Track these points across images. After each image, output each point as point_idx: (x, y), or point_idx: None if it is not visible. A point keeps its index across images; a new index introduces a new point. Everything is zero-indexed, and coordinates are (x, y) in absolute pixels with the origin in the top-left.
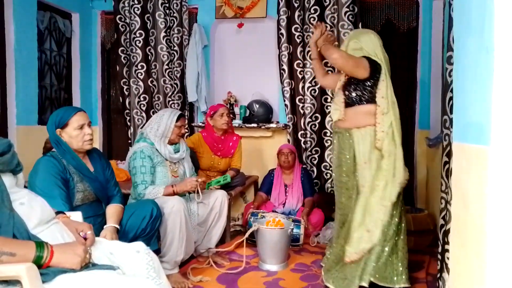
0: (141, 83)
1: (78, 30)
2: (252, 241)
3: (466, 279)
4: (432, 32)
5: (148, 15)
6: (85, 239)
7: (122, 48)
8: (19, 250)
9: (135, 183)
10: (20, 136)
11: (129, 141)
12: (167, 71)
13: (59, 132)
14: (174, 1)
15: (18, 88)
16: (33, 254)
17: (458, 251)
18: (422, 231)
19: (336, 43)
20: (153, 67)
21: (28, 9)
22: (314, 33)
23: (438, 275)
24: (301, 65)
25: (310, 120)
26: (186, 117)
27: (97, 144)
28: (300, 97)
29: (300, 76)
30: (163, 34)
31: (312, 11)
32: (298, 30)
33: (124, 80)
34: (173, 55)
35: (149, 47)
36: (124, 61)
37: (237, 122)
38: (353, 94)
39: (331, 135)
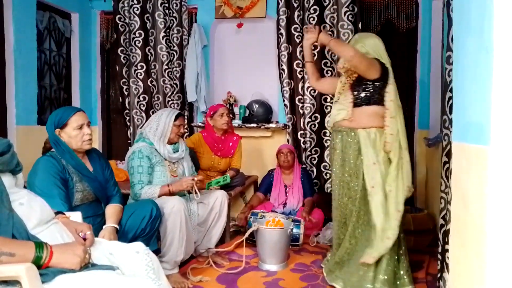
0: (140, 83)
1: (78, 30)
2: (251, 241)
3: (466, 279)
4: (431, 32)
5: (147, 15)
6: (85, 239)
7: (122, 48)
8: (18, 250)
9: (132, 182)
10: (19, 136)
11: (129, 141)
12: (166, 71)
13: (58, 132)
14: (174, 1)
15: (18, 88)
16: (32, 255)
17: (458, 251)
18: (421, 231)
19: None
20: (152, 67)
21: (27, 9)
22: (308, 36)
23: (439, 275)
24: (300, 65)
25: (310, 120)
26: (186, 117)
27: (97, 144)
28: (300, 97)
29: (299, 76)
30: (162, 34)
31: (311, 11)
32: (298, 30)
33: (124, 80)
34: (172, 55)
35: (149, 47)
36: (123, 61)
37: (236, 122)
38: (362, 95)
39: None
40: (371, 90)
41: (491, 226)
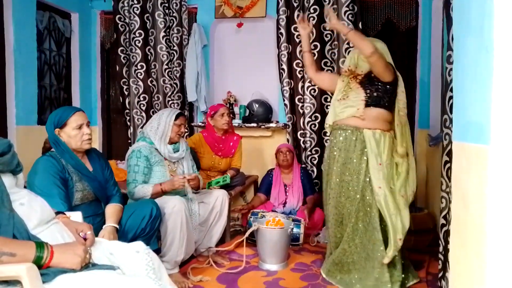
0: (140, 83)
1: (78, 30)
2: (252, 241)
3: (466, 279)
4: (431, 31)
5: (147, 14)
6: (85, 239)
7: (122, 48)
8: (19, 250)
9: (127, 181)
10: (19, 136)
11: (129, 141)
12: (166, 71)
13: (58, 132)
14: (174, 1)
15: (18, 88)
16: (33, 255)
17: (458, 251)
18: (422, 231)
19: (336, 43)
20: (152, 67)
21: (27, 9)
22: (303, 27)
23: (441, 275)
24: (300, 65)
25: (310, 119)
26: (186, 116)
27: (97, 144)
28: (300, 96)
29: (299, 76)
30: (162, 34)
31: (311, 10)
32: (298, 29)
33: (124, 80)
34: (172, 55)
35: (149, 47)
36: (123, 61)
37: (236, 121)
38: (374, 94)
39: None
40: (382, 92)
41: (491, 226)
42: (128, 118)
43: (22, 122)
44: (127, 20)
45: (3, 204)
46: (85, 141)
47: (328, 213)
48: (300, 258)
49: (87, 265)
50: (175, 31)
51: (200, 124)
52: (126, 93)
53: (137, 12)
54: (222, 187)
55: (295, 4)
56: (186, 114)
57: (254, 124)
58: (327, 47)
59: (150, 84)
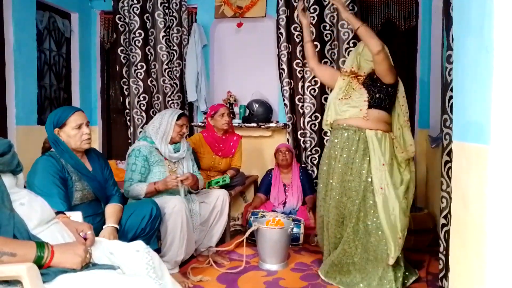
0: (140, 82)
1: (78, 30)
2: (252, 241)
3: (466, 279)
4: (431, 31)
5: (147, 14)
6: (85, 239)
7: (122, 48)
8: (19, 250)
9: (124, 179)
10: (19, 136)
11: (129, 141)
12: (166, 71)
13: (57, 132)
14: (174, 1)
15: (18, 88)
16: (33, 254)
17: (458, 251)
18: (422, 231)
19: (335, 43)
20: (152, 66)
21: (27, 9)
22: (303, 16)
23: (442, 275)
24: (300, 65)
25: (310, 119)
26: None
27: (97, 144)
28: (300, 96)
29: (299, 76)
30: (162, 33)
31: (311, 10)
32: (298, 29)
33: (124, 80)
34: (172, 54)
35: (149, 47)
36: (123, 61)
37: (236, 121)
38: (377, 96)
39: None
40: (384, 94)
41: (491, 226)
42: (128, 118)
43: (22, 122)
44: (127, 20)
45: (3, 204)
46: (84, 140)
47: (327, 213)
48: (300, 258)
49: (87, 265)
50: (175, 31)
51: (200, 124)
52: (126, 93)
53: (137, 12)
54: (222, 187)
55: (295, 4)
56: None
57: (254, 124)
58: (327, 47)
59: (150, 84)
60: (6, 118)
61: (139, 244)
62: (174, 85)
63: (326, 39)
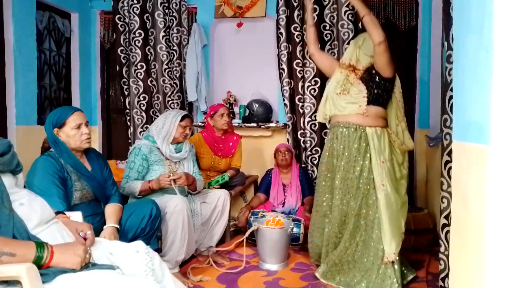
0: (140, 82)
1: (77, 30)
2: (252, 241)
3: (466, 279)
4: (431, 30)
5: (147, 14)
6: (85, 239)
7: (122, 48)
8: (19, 250)
9: (123, 176)
10: (19, 136)
11: (129, 141)
12: (166, 71)
13: (57, 132)
14: (173, 1)
15: (18, 88)
16: (33, 255)
17: (458, 251)
18: (422, 230)
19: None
20: (152, 66)
21: (27, 9)
22: (309, 1)
23: (443, 275)
24: (300, 65)
25: (310, 119)
26: (192, 119)
27: (97, 144)
28: (300, 96)
29: (299, 76)
30: (162, 33)
31: None
32: (298, 29)
33: (124, 80)
34: (172, 54)
35: (149, 47)
36: (123, 61)
37: (236, 121)
38: (375, 91)
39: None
40: (382, 89)
41: (491, 226)
42: (128, 118)
43: (22, 122)
44: (127, 20)
45: (3, 204)
46: (84, 140)
47: (330, 212)
48: (300, 258)
49: (87, 265)
50: (175, 31)
51: (200, 124)
52: (126, 93)
53: (137, 12)
54: (222, 185)
55: (295, 4)
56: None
57: (254, 124)
58: (327, 47)
59: (150, 84)
60: (6, 118)
61: (139, 244)
62: (174, 85)
63: (326, 39)
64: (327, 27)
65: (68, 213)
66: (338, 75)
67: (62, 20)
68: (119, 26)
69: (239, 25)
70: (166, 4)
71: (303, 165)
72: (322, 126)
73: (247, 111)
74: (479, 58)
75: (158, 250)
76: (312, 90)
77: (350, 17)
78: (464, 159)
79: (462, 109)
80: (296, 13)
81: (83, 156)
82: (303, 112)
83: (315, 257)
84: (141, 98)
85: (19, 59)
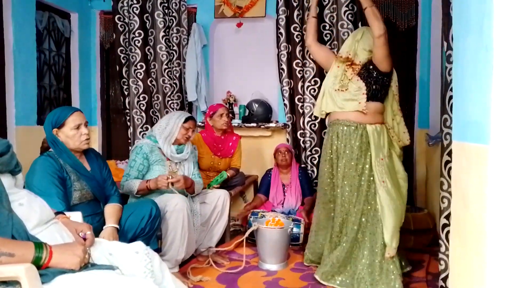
0: (140, 83)
1: (77, 30)
2: (252, 241)
3: (466, 278)
4: (431, 31)
5: (147, 14)
6: (85, 239)
7: (121, 48)
8: (18, 251)
9: (123, 175)
10: (19, 137)
11: (129, 141)
12: (166, 71)
13: (56, 132)
14: (173, 1)
15: (17, 88)
16: (32, 255)
17: (458, 251)
18: (421, 230)
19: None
20: (152, 66)
21: (26, 9)
22: None
23: (444, 275)
24: (300, 65)
25: (310, 119)
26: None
27: (97, 144)
28: (299, 96)
29: (299, 76)
30: (162, 33)
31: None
32: (297, 29)
33: (123, 80)
34: (172, 54)
35: (148, 47)
36: (123, 61)
37: (236, 121)
38: (374, 87)
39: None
40: (380, 84)
41: (491, 226)
42: (127, 118)
43: (21, 122)
44: (126, 20)
45: (2, 204)
46: (83, 141)
47: (333, 212)
48: (300, 258)
49: (86, 265)
50: (175, 31)
51: (199, 124)
52: (125, 93)
53: (137, 12)
54: (222, 185)
55: (295, 4)
56: None
57: (254, 124)
58: (327, 46)
59: (150, 84)
60: (5, 118)
61: (139, 245)
62: (174, 85)
63: (326, 39)
64: (327, 27)
65: (67, 213)
66: (335, 70)
67: (62, 20)
68: (118, 26)
69: (239, 25)
70: (166, 4)
71: (302, 165)
72: (322, 126)
73: (247, 111)
74: (478, 58)
75: (158, 250)
76: (312, 90)
77: (349, 17)
78: (464, 159)
79: (462, 109)
80: (296, 13)
81: (82, 156)
82: (303, 112)
83: (315, 257)
84: (141, 98)
85: (18, 59)
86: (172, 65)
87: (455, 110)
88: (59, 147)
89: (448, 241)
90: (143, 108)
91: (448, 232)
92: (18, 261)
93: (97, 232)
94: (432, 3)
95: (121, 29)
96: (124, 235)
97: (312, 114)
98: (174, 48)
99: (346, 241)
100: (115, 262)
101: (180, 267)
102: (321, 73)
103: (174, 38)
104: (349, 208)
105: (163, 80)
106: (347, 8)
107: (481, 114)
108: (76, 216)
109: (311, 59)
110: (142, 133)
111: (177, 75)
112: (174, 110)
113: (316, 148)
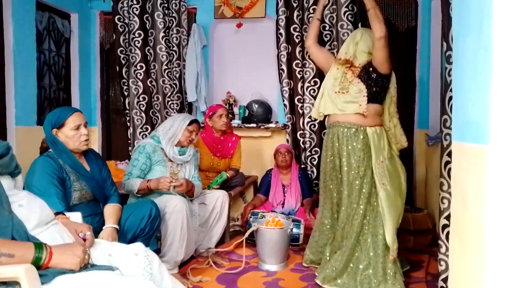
0: (140, 83)
1: (77, 31)
2: (251, 241)
3: (466, 278)
4: (431, 31)
5: (147, 15)
6: (85, 240)
7: (121, 48)
8: (17, 251)
9: (125, 173)
10: (19, 137)
11: (129, 141)
12: (166, 71)
13: (56, 132)
14: (173, 1)
15: (17, 89)
16: (32, 255)
17: (457, 251)
18: (421, 231)
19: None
20: (152, 67)
21: (26, 10)
22: None
23: (444, 276)
24: (300, 65)
25: (309, 120)
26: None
27: (96, 144)
28: (299, 97)
29: (299, 76)
30: (162, 34)
31: (311, 10)
32: (297, 30)
33: (123, 80)
34: (172, 55)
35: (148, 47)
36: (123, 62)
37: (236, 122)
38: (374, 89)
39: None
40: (380, 86)
41: (490, 226)
42: (127, 118)
43: (21, 123)
44: (126, 21)
45: (2, 206)
46: (83, 142)
47: (337, 215)
48: (299, 258)
49: (86, 266)
50: (175, 31)
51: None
52: (125, 93)
53: (137, 12)
54: (221, 185)
55: (295, 5)
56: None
57: (254, 125)
58: (327, 47)
59: (150, 85)
60: (5, 119)
61: (138, 246)
62: (174, 86)
63: (326, 39)
64: (327, 28)
65: (67, 214)
66: (334, 72)
67: (62, 21)
68: (118, 26)
69: (239, 25)
70: (166, 5)
71: (302, 166)
72: (322, 126)
73: (247, 111)
74: (478, 58)
75: (158, 251)
76: (312, 91)
77: (349, 18)
78: (463, 159)
79: (462, 109)
80: (295, 13)
81: (81, 157)
82: (303, 112)
83: (316, 258)
84: (141, 99)
85: (18, 60)
86: (172, 65)
87: (454, 110)
88: (58, 148)
89: (448, 241)
90: (143, 108)
91: (448, 232)
92: (18, 261)
93: (96, 232)
94: (431, 3)
95: (121, 30)
96: (123, 235)
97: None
98: (174, 48)
99: (347, 245)
100: (114, 263)
101: (180, 267)
102: (321, 74)
103: (174, 39)
104: (352, 210)
105: (163, 81)
106: (347, 9)
107: (480, 114)
108: (75, 217)
109: (311, 60)
110: (142, 134)
111: (177, 75)
112: (174, 110)
113: (316, 148)
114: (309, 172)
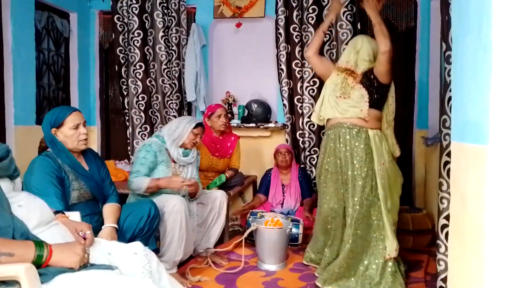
0: (139, 83)
1: (76, 30)
2: (250, 241)
3: (465, 278)
4: (430, 31)
5: (146, 14)
6: (84, 238)
7: (120, 48)
8: (17, 250)
9: (131, 171)
10: (18, 137)
11: (128, 141)
12: (165, 71)
13: (54, 132)
14: (172, 1)
15: (16, 88)
16: (32, 254)
17: (457, 251)
18: (420, 231)
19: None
20: (151, 67)
21: (26, 9)
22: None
23: (444, 276)
24: (299, 65)
25: (309, 120)
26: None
27: (96, 144)
28: (299, 96)
29: (298, 76)
30: (161, 33)
31: (310, 10)
32: (297, 30)
33: (123, 80)
34: (171, 55)
35: (147, 47)
36: (122, 61)
37: (235, 122)
38: (375, 96)
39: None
40: (380, 94)
41: (489, 226)
42: (127, 118)
43: (20, 122)
44: (125, 20)
45: (2, 207)
46: (81, 141)
47: (339, 216)
48: (299, 258)
49: (85, 265)
50: (174, 31)
51: None
52: (124, 93)
53: (136, 12)
54: (220, 186)
55: (294, 5)
56: (185, 114)
57: (253, 124)
58: (326, 47)
59: (149, 84)
60: (4, 118)
61: (137, 246)
62: (173, 85)
63: (325, 39)
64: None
65: (66, 213)
66: (335, 78)
67: (61, 20)
68: (118, 26)
69: (238, 25)
70: (165, 4)
71: (302, 165)
72: (321, 126)
73: (246, 111)
74: (477, 59)
75: (156, 251)
76: (311, 91)
77: (349, 18)
78: (462, 160)
79: (461, 109)
80: (295, 13)
81: (80, 156)
82: (302, 112)
83: (316, 256)
84: (140, 98)
85: (17, 59)
86: (171, 65)
87: (454, 110)
88: (57, 147)
89: (447, 241)
90: (142, 108)
91: (447, 232)
92: (18, 260)
93: (95, 232)
94: (431, 4)
95: (120, 29)
96: (122, 235)
97: (311, 114)
98: (173, 48)
99: (347, 245)
100: (114, 262)
101: (178, 267)
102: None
103: (173, 38)
104: (354, 212)
105: (162, 80)
106: (346, 9)
107: (480, 114)
108: (74, 216)
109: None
110: (141, 133)
111: (176, 75)
112: (173, 110)
113: (315, 148)
114: (308, 172)
